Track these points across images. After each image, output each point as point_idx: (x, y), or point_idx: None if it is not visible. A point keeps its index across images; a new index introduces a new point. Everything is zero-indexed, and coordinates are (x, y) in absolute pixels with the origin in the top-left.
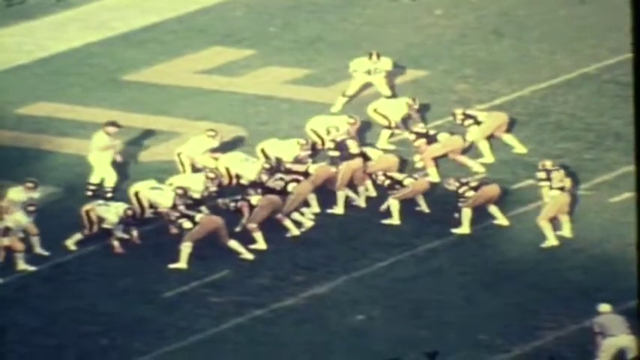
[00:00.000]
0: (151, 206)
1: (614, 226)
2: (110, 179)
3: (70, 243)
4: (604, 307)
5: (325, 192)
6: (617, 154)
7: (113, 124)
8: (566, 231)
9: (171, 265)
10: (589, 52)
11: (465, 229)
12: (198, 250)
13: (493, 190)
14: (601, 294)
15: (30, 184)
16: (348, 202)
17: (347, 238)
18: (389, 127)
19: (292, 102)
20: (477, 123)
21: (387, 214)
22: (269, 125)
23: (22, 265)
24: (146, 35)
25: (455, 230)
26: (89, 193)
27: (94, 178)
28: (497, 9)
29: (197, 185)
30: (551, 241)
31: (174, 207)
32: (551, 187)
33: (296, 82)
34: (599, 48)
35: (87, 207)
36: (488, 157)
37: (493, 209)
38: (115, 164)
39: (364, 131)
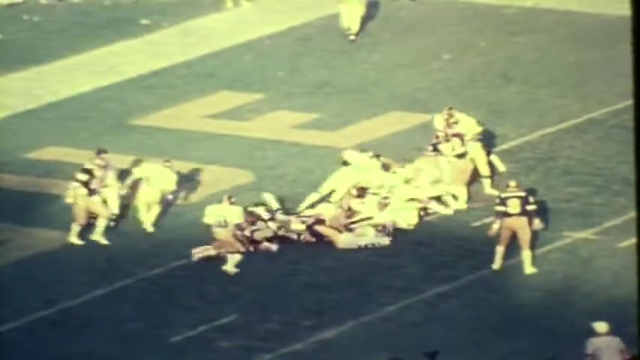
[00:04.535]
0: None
1: (623, 271)
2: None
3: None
4: (601, 327)
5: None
6: (625, 199)
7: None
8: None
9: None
10: (596, 97)
11: None
12: (206, 294)
13: None
14: None
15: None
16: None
17: (356, 282)
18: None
19: (300, 146)
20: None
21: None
22: (277, 169)
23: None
24: (154, 80)
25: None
26: (111, 224)
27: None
28: (505, 54)
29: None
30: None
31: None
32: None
33: (304, 127)
34: (606, 93)
35: None
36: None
37: None
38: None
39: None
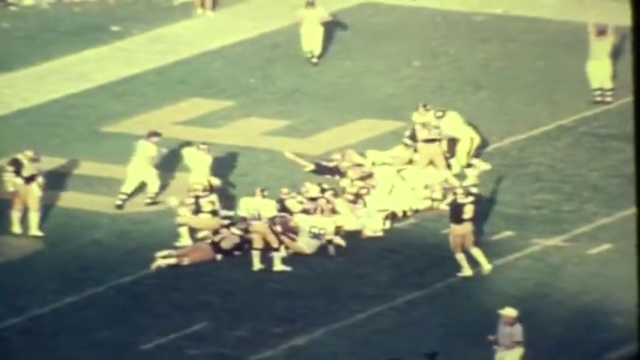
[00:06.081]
0: None
1: (592, 278)
2: (154, 186)
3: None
4: (511, 312)
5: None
6: (595, 206)
7: (156, 134)
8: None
9: None
10: (566, 104)
11: None
12: (177, 301)
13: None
14: (581, 346)
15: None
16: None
17: (326, 290)
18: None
19: (271, 153)
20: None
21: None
22: (248, 176)
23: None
24: (126, 87)
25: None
26: (119, 202)
27: (127, 188)
28: (475, 61)
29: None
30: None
31: None
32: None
33: (275, 133)
34: (576, 100)
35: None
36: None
37: None
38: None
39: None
